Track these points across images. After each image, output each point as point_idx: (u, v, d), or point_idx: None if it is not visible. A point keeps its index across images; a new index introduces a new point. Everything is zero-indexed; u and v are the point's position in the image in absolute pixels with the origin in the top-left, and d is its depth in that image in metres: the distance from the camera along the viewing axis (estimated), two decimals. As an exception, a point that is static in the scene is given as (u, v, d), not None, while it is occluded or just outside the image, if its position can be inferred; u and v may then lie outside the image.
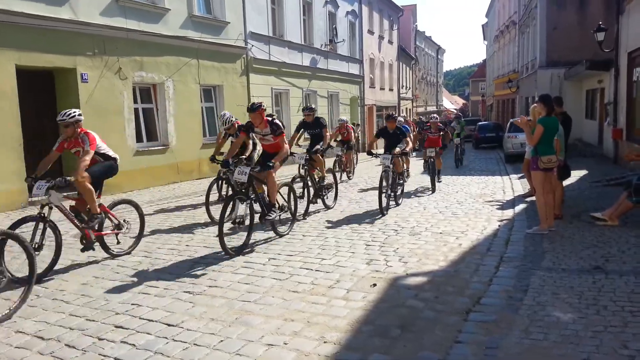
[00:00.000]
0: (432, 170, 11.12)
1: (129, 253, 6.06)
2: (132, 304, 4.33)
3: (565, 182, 8.12)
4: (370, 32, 29.21)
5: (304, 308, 4.14)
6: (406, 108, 40.23)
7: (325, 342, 3.50)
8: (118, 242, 6.04)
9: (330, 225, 7.47)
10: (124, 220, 6.14)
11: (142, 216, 6.38)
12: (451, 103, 75.27)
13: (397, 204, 8.88)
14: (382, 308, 4.10)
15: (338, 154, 13.50)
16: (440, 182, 11.93)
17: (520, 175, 12.01)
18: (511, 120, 20.24)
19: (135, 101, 12.46)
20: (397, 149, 8.69)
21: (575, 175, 11.06)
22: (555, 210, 6.98)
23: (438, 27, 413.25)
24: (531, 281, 4.56)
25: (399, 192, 9.01)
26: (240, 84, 16.02)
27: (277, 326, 3.79)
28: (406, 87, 40.42)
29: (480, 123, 30.03)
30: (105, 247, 5.88)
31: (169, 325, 3.87)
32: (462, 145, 20.78)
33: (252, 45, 16.45)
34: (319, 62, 21.72)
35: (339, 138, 13.74)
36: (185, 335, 3.67)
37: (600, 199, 8.46)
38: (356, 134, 16.41)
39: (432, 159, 11.25)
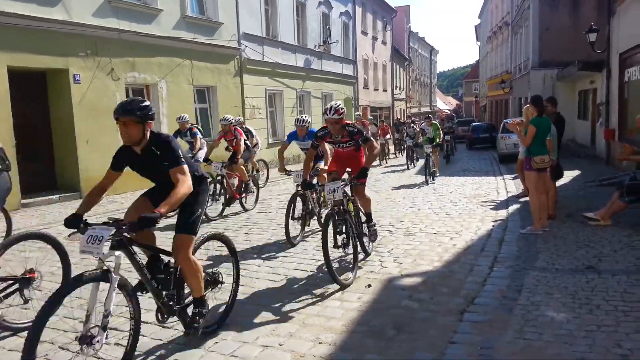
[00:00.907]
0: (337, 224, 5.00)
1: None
2: (126, 306, 4.29)
3: (559, 183, 8.17)
4: (364, 33, 29.25)
5: (299, 309, 4.14)
6: (400, 109, 40.31)
7: (320, 343, 3.50)
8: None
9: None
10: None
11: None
12: (445, 104, 75.51)
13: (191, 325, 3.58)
14: (376, 309, 4.10)
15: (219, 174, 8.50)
16: (372, 243, 5.81)
17: (514, 175, 12.06)
18: (504, 120, 20.32)
19: (128, 102, 12.39)
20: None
21: (568, 175, 11.12)
22: (549, 210, 7.01)
23: (431, 28, 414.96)
24: (525, 281, 4.58)
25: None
26: (233, 85, 16.00)
27: (272, 327, 3.79)
28: (400, 88, 40.50)
29: (473, 124, 30.12)
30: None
31: (163, 327, 3.85)
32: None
33: (246, 46, 16.43)
34: (313, 63, 21.72)
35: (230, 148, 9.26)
36: (179, 338, 3.66)
37: (593, 199, 8.51)
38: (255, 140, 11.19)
39: (336, 210, 4.91)
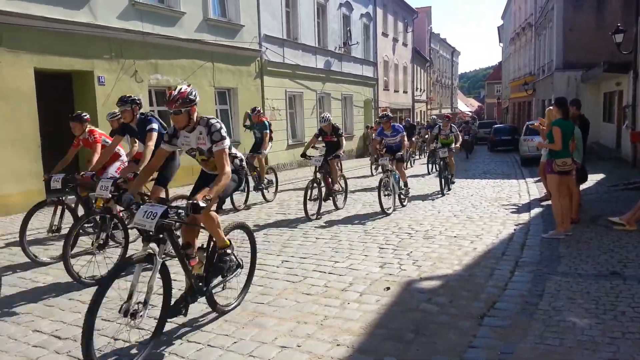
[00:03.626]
0: None
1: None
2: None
3: (583, 186, 8.02)
4: (385, 34, 29.15)
5: (317, 311, 4.15)
6: (420, 110, 40.06)
7: (338, 345, 3.50)
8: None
9: (343, 228, 7.46)
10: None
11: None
12: (466, 106, 74.77)
13: None
14: (395, 312, 4.08)
15: None
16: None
17: (536, 178, 11.87)
18: (527, 123, 20.01)
19: (150, 104, 12.58)
20: None
21: (593, 179, 10.91)
22: (572, 214, 6.89)
23: (453, 29, 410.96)
24: (547, 286, 4.51)
25: None
26: (254, 87, 16.10)
27: (290, 328, 3.80)
28: (420, 89, 40.25)
29: (495, 126, 29.78)
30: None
31: (183, 326, 3.89)
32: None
33: (267, 48, 16.53)
34: (333, 65, 21.73)
35: None
36: (199, 336, 3.70)
37: (618, 203, 8.33)
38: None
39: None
